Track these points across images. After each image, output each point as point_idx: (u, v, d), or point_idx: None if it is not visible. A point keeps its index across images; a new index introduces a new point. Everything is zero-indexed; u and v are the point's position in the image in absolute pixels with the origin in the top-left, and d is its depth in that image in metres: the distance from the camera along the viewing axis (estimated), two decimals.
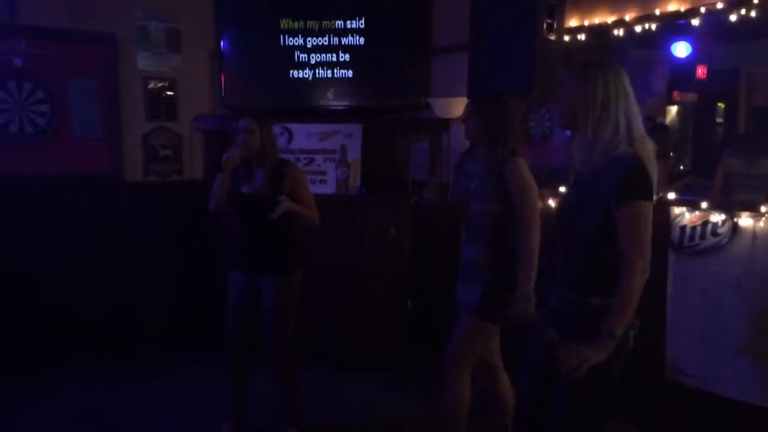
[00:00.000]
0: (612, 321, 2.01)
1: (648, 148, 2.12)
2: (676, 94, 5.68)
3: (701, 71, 5.83)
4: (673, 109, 5.46)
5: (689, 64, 5.42)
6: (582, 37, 3.82)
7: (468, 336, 2.93)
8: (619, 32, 3.66)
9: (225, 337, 3.44)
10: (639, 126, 2.13)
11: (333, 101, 4.73)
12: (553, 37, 3.58)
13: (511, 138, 2.85)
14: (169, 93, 4.81)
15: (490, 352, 3.11)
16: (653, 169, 2.10)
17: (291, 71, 4.73)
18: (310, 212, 3.32)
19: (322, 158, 4.63)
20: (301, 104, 4.76)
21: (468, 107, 3.05)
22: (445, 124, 4.40)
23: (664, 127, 4.81)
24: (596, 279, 2.14)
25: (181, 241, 4.92)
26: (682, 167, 4.88)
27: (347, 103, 4.70)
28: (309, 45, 4.69)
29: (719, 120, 6.26)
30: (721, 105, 6.34)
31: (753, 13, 3.15)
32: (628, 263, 2.02)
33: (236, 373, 3.48)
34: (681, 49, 4.84)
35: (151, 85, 4.75)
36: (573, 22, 3.82)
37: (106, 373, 4.37)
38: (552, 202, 3.77)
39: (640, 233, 2.03)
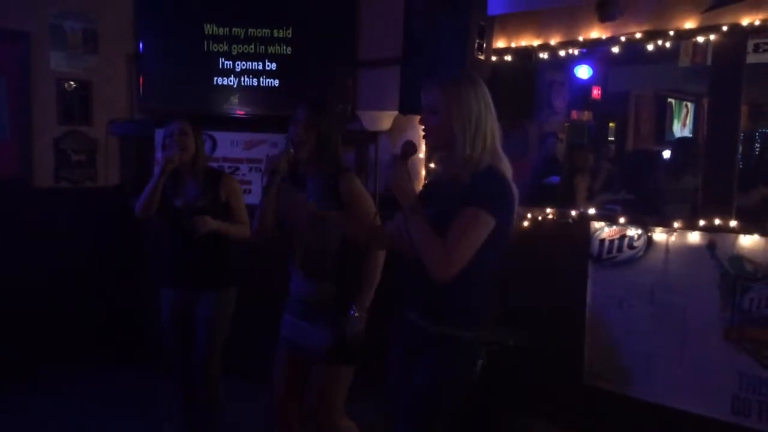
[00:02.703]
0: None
1: (507, 166, 2.08)
2: (573, 113, 6.08)
3: (596, 92, 6.28)
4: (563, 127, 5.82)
5: (586, 85, 5.82)
6: (508, 58, 3.99)
7: (332, 389, 2.66)
8: (544, 55, 3.86)
9: (164, 359, 3.25)
10: (499, 142, 2.09)
11: (258, 110, 4.69)
12: (482, 57, 3.73)
13: (341, 152, 2.67)
14: (83, 95, 4.60)
15: None
16: None
17: (215, 78, 4.65)
18: (240, 227, 3.13)
19: (247, 167, 4.57)
20: (225, 112, 4.69)
21: (299, 117, 2.64)
22: (373, 136, 4.46)
23: (582, 146, 5.11)
24: (452, 307, 2.10)
25: (92, 249, 4.69)
26: None
27: (273, 113, 4.65)
28: (234, 52, 4.63)
29: (611, 138, 6.75)
30: (612, 124, 6.84)
31: (668, 44, 3.42)
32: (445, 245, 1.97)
33: (184, 394, 3.24)
34: (583, 72, 5.18)
35: (64, 87, 4.52)
36: (500, 44, 3.99)
37: (14, 392, 4.10)
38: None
39: (468, 236, 1.95)
